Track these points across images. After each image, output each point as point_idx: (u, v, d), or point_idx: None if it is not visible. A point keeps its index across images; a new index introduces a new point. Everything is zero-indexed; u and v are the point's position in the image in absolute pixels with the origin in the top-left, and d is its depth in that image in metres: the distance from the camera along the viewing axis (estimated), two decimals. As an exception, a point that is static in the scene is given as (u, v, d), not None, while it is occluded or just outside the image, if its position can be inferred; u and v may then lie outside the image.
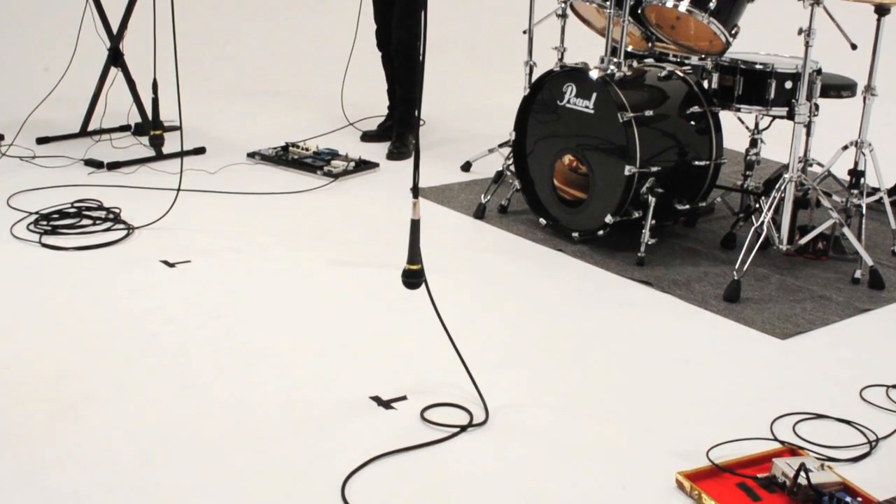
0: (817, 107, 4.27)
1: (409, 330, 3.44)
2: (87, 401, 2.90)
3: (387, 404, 2.96)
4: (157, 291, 3.69)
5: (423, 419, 2.89)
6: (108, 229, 4.25)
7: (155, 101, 5.00)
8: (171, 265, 3.94)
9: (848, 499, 2.47)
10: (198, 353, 3.23)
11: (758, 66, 4.22)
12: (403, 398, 3.00)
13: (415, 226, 2.88)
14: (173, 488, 2.50)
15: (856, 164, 4.38)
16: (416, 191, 2.86)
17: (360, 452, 2.68)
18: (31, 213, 4.34)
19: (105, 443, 2.69)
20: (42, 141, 5.41)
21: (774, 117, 4.35)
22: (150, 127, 4.79)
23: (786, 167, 4.10)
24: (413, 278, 2.91)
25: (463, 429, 2.84)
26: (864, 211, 4.30)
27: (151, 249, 4.07)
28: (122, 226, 4.29)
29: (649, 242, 4.13)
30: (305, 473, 2.60)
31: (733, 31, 4.26)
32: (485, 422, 2.88)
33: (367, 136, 5.85)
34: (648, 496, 2.57)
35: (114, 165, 5.06)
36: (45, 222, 4.27)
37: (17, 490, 2.46)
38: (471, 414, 2.91)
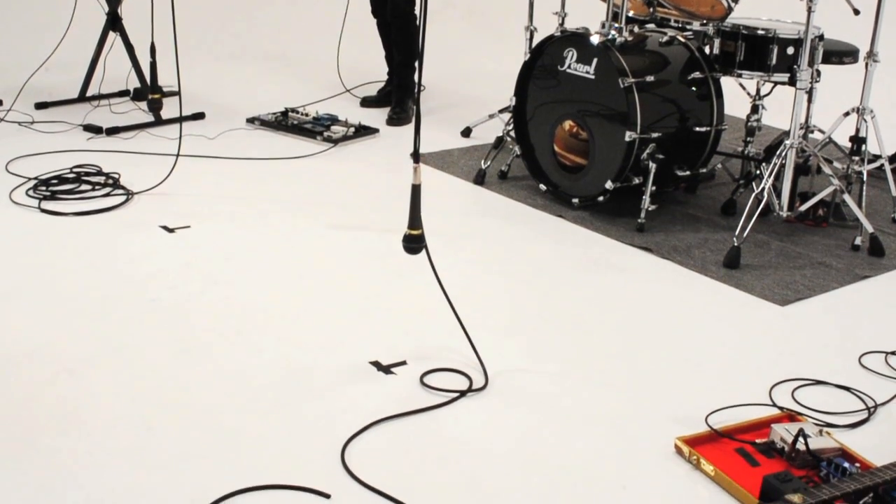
0: (819, 73, 4.25)
1: (408, 295, 3.44)
2: (86, 365, 2.91)
3: (386, 369, 2.96)
4: (156, 256, 3.69)
5: (423, 384, 2.89)
6: (107, 195, 4.24)
7: (153, 66, 4.97)
8: (171, 230, 3.93)
9: (846, 464, 2.48)
10: (197, 318, 3.23)
11: (759, 32, 4.19)
12: (403, 363, 3.00)
13: (415, 191, 2.88)
14: (173, 452, 2.51)
15: (857, 130, 4.36)
16: (416, 156, 2.85)
17: (359, 417, 2.69)
18: (29, 179, 4.33)
19: (105, 407, 2.70)
20: (41, 106, 5.39)
21: (776, 83, 4.32)
22: (149, 91, 4.76)
23: (787, 133, 4.09)
24: (413, 243, 2.90)
25: (462, 394, 2.84)
26: (864, 178, 4.29)
27: (151, 215, 4.07)
28: (121, 191, 4.28)
29: (649, 209, 4.12)
30: (305, 438, 2.60)
31: (735, -3, 4.23)
32: (484, 387, 2.89)
33: (367, 102, 5.83)
34: (647, 461, 2.57)
35: (113, 131, 5.04)
36: (44, 188, 4.26)
37: (17, 453, 2.47)
38: (470, 379, 2.92)
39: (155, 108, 4.96)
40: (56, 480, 2.37)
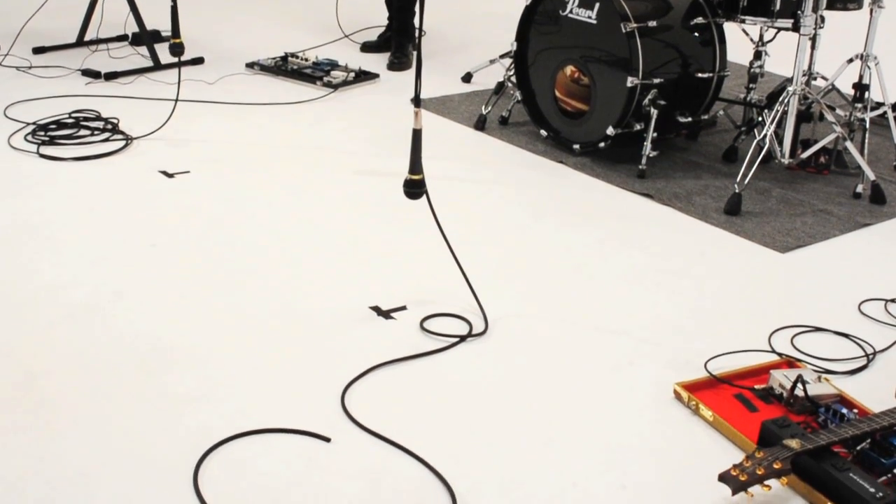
0: (823, 19, 4.20)
1: (409, 240, 3.44)
2: (86, 310, 2.91)
3: (386, 314, 2.97)
4: (155, 202, 3.68)
5: (423, 329, 2.89)
6: (106, 140, 4.23)
7: (174, 9, 4.88)
8: (170, 176, 3.92)
9: (844, 410, 2.49)
10: (197, 264, 3.23)
11: (763, -23, 4.15)
12: (403, 308, 3.00)
13: (416, 135, 2.86)
14: (173, 396, 2.52)
15: (860, 77, 4.33)
16: (417, 100, 2.83)
17: (359, 362, 2.69)
18: (28, 124, 4.31)
19: (105, 351, 2.70)
20: (38, 51, 5.35)
21: (779, 29, 4.28)
22: (171, 36, 4.68)
23: (789, 80, 4.06)
24: (414, 188, 2.89)
25: (462, 339, 2.85)
26: (867, 125, 4.27)
27: (150, 160, 4.05)
28: (120, 136, 4.26)
29: (650, 155, 4.10)
30: (305, 382, 2.61)
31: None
32: (484, 332, 2.89)
33: (367, 47, 5.79)
34: (646, 407, 2.58)
35: (111, 76, 5.01)
36: (42, 133, 4.24)
37: (18, 398, 2.48)
38: (470, 324, 2.92)
39: (177, 52, 4.88)
40: (56, 423, 2.38)
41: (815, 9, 4.05)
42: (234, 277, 3.15)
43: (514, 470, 2.30)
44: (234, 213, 3.62)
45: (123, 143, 4.20)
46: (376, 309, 2.99)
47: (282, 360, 2.71)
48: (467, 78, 5.34)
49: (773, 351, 2.87)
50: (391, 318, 2.95)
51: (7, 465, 2.22)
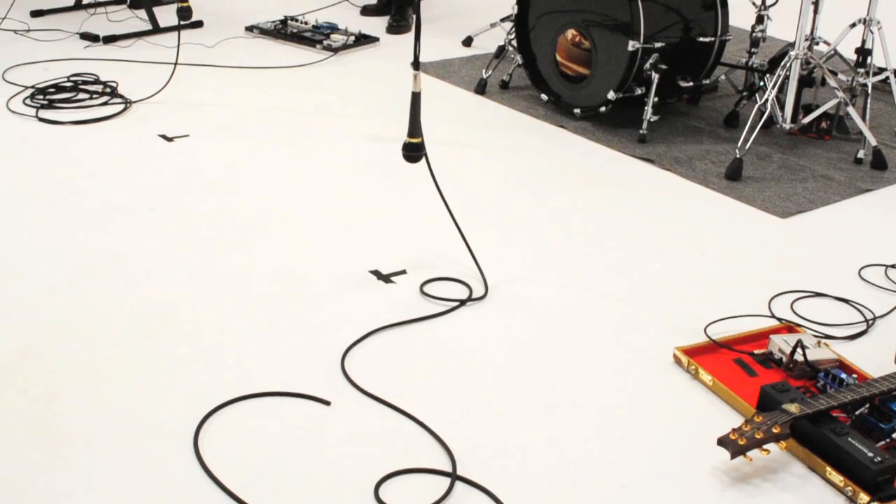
0: (826, -18, 4.18)
1: (408, 204, 3.43)
2: (86, 274, 2.90)
3: (386, 278, 2.96)
4: (155, 166, 3.67)
5: (423, 293, 2.89)
6: (105, 103, 4.21)
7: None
8: (170, 139, 3.90)
9: (843, 375, 2.49)
10: (197, 228, 3.22)
11: (767, -60, 4.12)
12: (403, 272, 3.00)
13: (415, 98, 2.85)
14: (173, 360, 2.52)
15: (863, 42, 4.31)
16: (416, 63, 2.82)
17: (359, 325, 2.69)
18: (27, 88, 4.29)
19: (105, 316, 2.70)
20: (36, 14, 5.31)
21: (782, -7, 4.27)
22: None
23: (792, 45, 4.04)
24: (413, 152, 2.88)
25: (462, 303, 2.85)
26: (869, 90, 4.25)
27: (149, 124, 4.04)
28: (119, 100, 4.24)
29: (651, 119, 4.09)
30: (305, 346, 2.61)
31: None
32: (484, 296, 2.89)
33: (367, 10, 5.76)
34: (646, 371, 2.58)
35: (110, 39, 4.98)
36: (41, 96, 4.22)
37: (18, 363, 2.48)
38: (470, 288, 2.92)
39: (185, 16, 4.85)
40: (56, 388, 2.38)
41: (818, -28, 4.03)
42: (234, 241, 3.15)
43: (513, 433, 2.31)
44: (234, 176, 3.61)
45: (122, 106, 4.18)
46: (376, 273, 2.99)
47: (282, 323, 2.71)
48: (468, 41, 5.31)
49: (773, 316, 2.87)
50: (391, 282, 2.95)
51: (6, 430, 2.22)
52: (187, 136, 3.94)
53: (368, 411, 2.36)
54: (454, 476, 2.14)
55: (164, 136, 3.92)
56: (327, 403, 2.38)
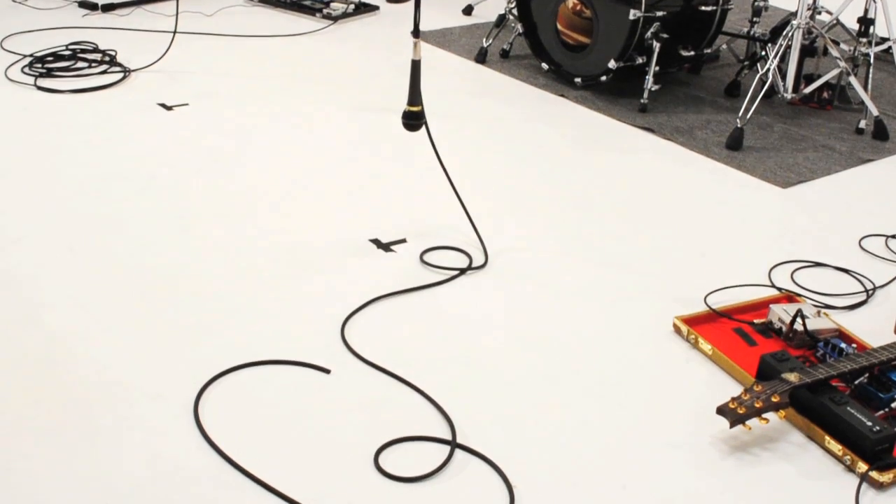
0: (829, -49, 4.16)
1: (408, 173, 3.43)
2: (85, 242, 2.90)
3: (386, 247, 2.96)
4: (154, 135, 3.66)
5: (423, 262, 2.89)
6: (103, 72, 4.19)
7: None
8: (169, 108, 3.89)
9: (843, 345, 2.49)
10: (196, 196, 3.22)
11: None
12: (403, 241, 2.99)
13: (415, 66, 2.83)
14: (173, 328, 2.52)
15: (865, 11, 4.29)
16: (416, 31, 2.80)
17: (359, 294, 2.69)
18: (25, 56, 4.27)
19: (104, 283, 2.70)
20: (34, -19, 5.29)
21: (784, -38, 4.24)
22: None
23: (794, 14, 4.02)
24: (413, 120, 2.86)
25: (462, 272, 2.84)
26: (871, 60, 4.24)
27: (148, 92, 4.02)
28: (118, 68, 4.22)
29: (652, 89, 4.07)
30: (305, 315, 2.61)
31: None
32: (484, 265, 2.89)
33: (367, -21, 5.73)
34: (645, 340, 2.59)
35: (108, 7, 4.96)
36: (40, 65, 4.20)
37: (18, 329, 2.48)
38: (470, 257, 2.92)
39: None
40: (55, 355, 2.38)
41: (821, -59, 4.00)
42: (234, 209, 3.14)
43: (512, 401, 2.31)
44: (233, 145, 3.60)
45: (121, 75, 4.17)
46: (376, 242, 2.99)
47: (281, 292, 2.71)
48: (468, 10, 5.29)
49: (773, 285, 2.87)
50: (391, 250, 2.95)
51: (6, 397, 2.22)
52: (186, 104, 3.93)
53: (368, 380, 2.36)
54: (454, 444, 2.15)
55: (163, 105, 3.91)
56: (327, 372, 2.38)
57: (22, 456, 2.05)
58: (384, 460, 2.09)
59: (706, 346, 2.52)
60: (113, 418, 2.17)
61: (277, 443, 2.13)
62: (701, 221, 3.24)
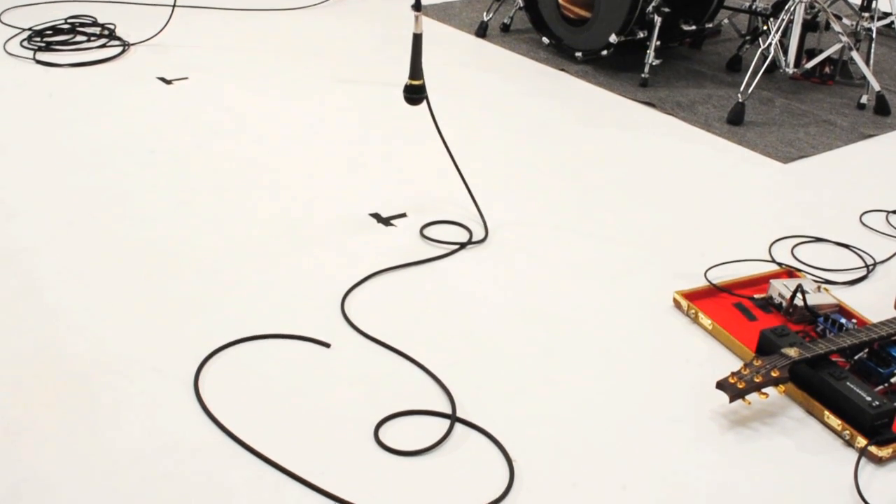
0: (832, -76, 4.14)
1: (409, 147, 3.42)
2: (84, 216, 2.90)
3: (386, 221, 2.96)
4: (153, 108, 3.65)
5: (423, 236, 2.89)
6: (103, 46, 4.18)
7: None
8: (168, 82, 3.88)
9: (843, 320, 2.49)
10: (196, 170, 3.21)
11: None
12: (403, 215, 2.99)
13: (417, 40, 2.82)
14: (174, 301, 2.52)
15: (868, -14, 4.28)
16: (418, 4, 2.79)
17: (359, 268, 2.69)
18: (24, 30, 4.26)
19: (104, 258, 2.70)
20: (33, -47, 5.26)
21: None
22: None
23: (796, -12, 4.00)
24: (414, 94, 2.86)
25: (462, 246, 2.84)
26: (873, 35, 4.22)
27: (148, 66, 4.01)
28: (117, 42, 4.21)
29: (653, 63, 4.06)
30: (305, 289, 2.61)
31: None
32: (484, 239, 2.89)
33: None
34: (645, 315, 2.59)
35: (107, -21, 4.94)
36: (38, 39, 4.19)
37: (18, 305, 2.48)
38: (470, 231, 2.91)
39: None
40: (56, 329, 2.38)
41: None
42: (234, 183, 3.14)
43: (512, 376, 2.31)
44: (233, 119, 3.60)
45: (120, 49, 4.15)
46: (376, 216, 2.98)
47: (281, 266, 2.71)
48: (469, -16, 5.27)
49: (774, 261, 2.87)
50: (391, 224, 2.95)
51: (7, 370, 2.23)
52: (186, 78, 3.91)
53: (368, 354, 2.37)
54: (454, 418, 2.15)
55: (162, 79, 3.90)
56: (327, 346, 2.38)
57: (22, 429, 2.05)
58: (384, 434, 2.10)
59: (706, 321, 2.52)
60: (113, 392, 2.17)
61: (277, 416, 2.13)
62: (701, 196, 3.24)
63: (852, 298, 2.67)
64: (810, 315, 2.54)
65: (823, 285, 2.68)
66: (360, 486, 1.95)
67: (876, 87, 3.96)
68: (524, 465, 2.03)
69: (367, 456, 2.04)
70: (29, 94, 3.71)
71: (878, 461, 2.09)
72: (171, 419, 2.11)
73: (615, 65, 4.21)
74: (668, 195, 3.23)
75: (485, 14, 4.61)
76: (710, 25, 4.35)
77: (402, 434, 2.10)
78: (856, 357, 2.34)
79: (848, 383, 2.20)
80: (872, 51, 4.19)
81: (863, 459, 2.10)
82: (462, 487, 1.96)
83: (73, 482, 1.91)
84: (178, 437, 2.06)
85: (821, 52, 4.08)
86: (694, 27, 4.22)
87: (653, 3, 4.03)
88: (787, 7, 3.96)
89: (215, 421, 2.10)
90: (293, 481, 1.95)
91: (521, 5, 4.44)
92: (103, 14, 4.46)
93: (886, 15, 4.38)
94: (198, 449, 2.03)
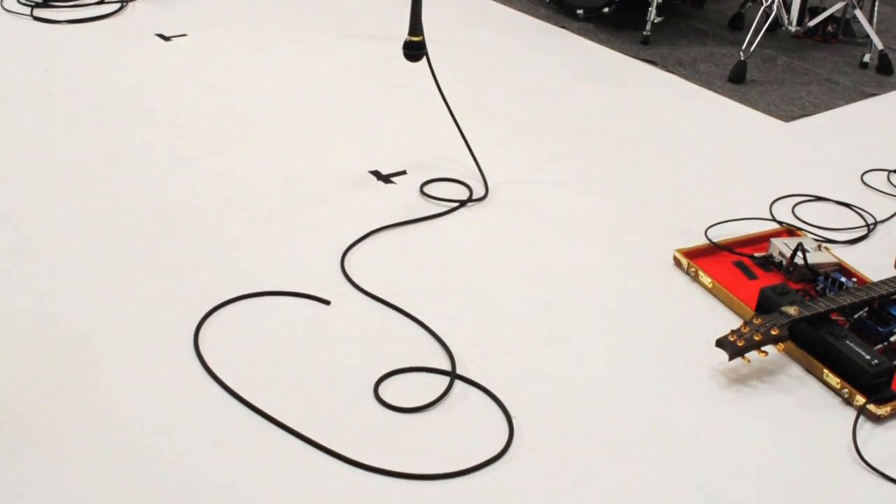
0: None
1: (409, 104, 3.40)
2: (84, 172, 2.89)
3: (386, 179, 2.95)
4: (152, 65, 3.63)
5: (423, 194, 2.88)
6: (100, 2, 4.15)
7: None
8: (167, 39, 3.86)
9: (843, 279, 2.49)
10: (195, 127, 3.20)
11: None
12: (403, 173, 2.98)
13: (416, -5, 2.80)
14: (173, 259, 2.52)
15: (872, -58, 4.24)
16: (417, -40, 2.77)
17: (359, 226, 2.69)
18: (21, -16, 4.23)
19: (103, 214, 2.69)
20: None
21: None
22: None
23: (800, -55, 3.97)
24: (414, 50, 2.83)
25: (462, 203, 2.83)
26: (877, -7, 4.20)
27: (146, 23, 3.98)
28: (115, -2, 4.19)
29: (655, 21, 4.03)
30: (305, 246, 2.60)
31: None
32: (484, 197, 2.88)
33: None
34: (645, 273, 2.58)
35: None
36: (36, -6, 4.17)
37: (19, 259, 2.47)
38: (470, 189, 2.90)
39: None
40: (56, 286, 2.38)
41: None
42: (233, 141, 3.12)
43: (512, 333, 2.31)
44: (232, 75, 3.58)
45: (119, 5, 4.12)
46: (376, 173, 2.97)
47: (281, 223, 2.70)
48: (469, -59, 5.22)
49: (774, 219, 2.86)
50: (391, 182, 2.94)
51: (6, 328, 2.23)
52: (185, 35, 3.89)
53: (368, 311, 2.36)
54: (453, 375, 2.15)
55: (161, 36, 3.87)
56: (327, 303, 2.38)
57: (22, 388, 2.05)
58: (384, 391, 2.10)
59: (706, 279, 2.51)
60: (113, 349, 2.17)
61: (277, 373, 2.14)
62: (702, 155, 3.23)
63: (853, 257, 2.67)
64: (810, 274, 2.54)
65: (824, 244, 2.68)
66: (359, 442, 1.95)
67: (879, 45, 3.94)
68: (523, 422, 2.04)
69: (366, 412, 2.04)
70: (27, 51, 3.69)
71: (877, 419, 2.10)
72: (171, 376, 2.11)
73: (616, 22, 4.19)
74: (669, 153, 3.22)
75: (486, -29, 4.58)
76: (713, -17, 4.33)
77: (401, 391, 2.10)
78: (855, 316, 2.34)
79: (847, 342, 2.20)
80: (876, 9, 4.16)
81: (861, 417, 2.10)
82: (462, 444, 1.97)
83: (73, 439, 1.92)
84: (179, 394, 2.06)
85: (824, 10, 4.06)
86: (696, -16, 4.20)
87: (655, -40, 4.00)
88: (790, -36, 3.94)
89: (215, 378, 2.10)
90: (293, 437, 1.95)
91: (523, -38, 4.41)
92: (101, -30, 4.43)
93: (890, -27, 4.36)
94: (198, 405, 2.03)
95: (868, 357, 2.15)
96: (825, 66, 3.96)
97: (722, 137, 3.36)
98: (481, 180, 2.94)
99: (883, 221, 2.90)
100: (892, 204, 3.00)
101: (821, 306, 2.28)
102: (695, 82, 3.74)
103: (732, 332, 2.18)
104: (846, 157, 3.27)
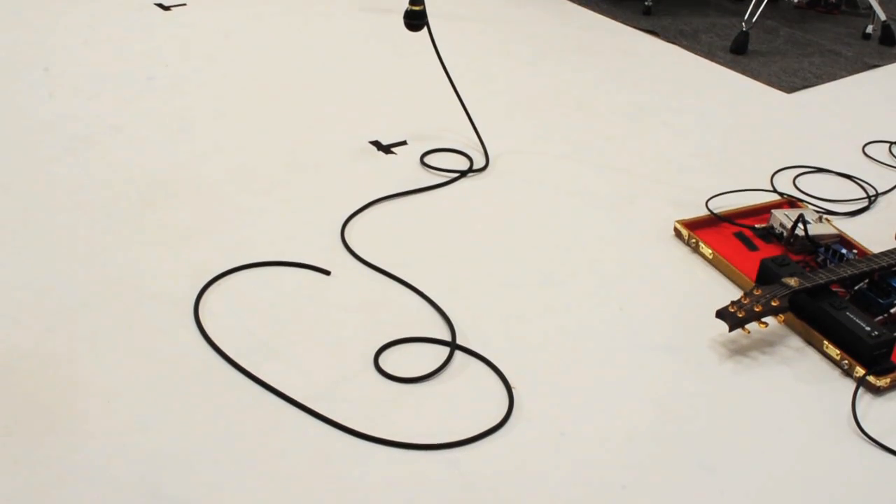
0: None
1: (409, 74, 3.39)
2: (84, 144, 2.88)
3: (387, 149, 2.94)
4: (151, 35, 3.62)
5: (423, 164, 2.87)
6: (99, -30, 4.13)
7: None
8: (166, 8, 3.84)
9: (843, 251, 2.49)
10: (195, 97, 3.19)
11: None
12: (403, 143, 2.98)
13: (417, -35, 2.79)
14: (173, 229, 2.51)
15: (876, -88, 4.21)
16: (418, -72, 2.75)
17: (359, 196, 2.68)
18: (19, -48, 4.21)
19: (104, 185, 2.69)
20: None
21: None
22: None
23: (803, -86, 3.95)
24: (415, 20, 2.82)
25: (463, 174, 2.83)
26: (880, -37, 4.18)
27: (145, -9, 3.97)
28: (114, -34, 4.16)
29: (657, -9, 4.02)
30: (305, 217, 2.60)
31: None
32: (485, 168, 2.87)
33: None
34: (646, 244, 2.58)
35: None
36: (34, -39, 4.14)
37: (20, 231, 2.47)
38: (471, 160, 2.90)
39: None
40: (55, 257, 2.38)
41: None
42: (232, 111, 3.11)
43: (512, 303, 2.32)
44: (232, 46, 3.56)
45: (118, -27, 4.10)
46: (376, 144, 2.97)
47: (281, 193, 2.70)
48: None
49: (775, 191, 2.86)
50: (391, 152, 2.93)
51: (5, 297, 2.23)
52: (184, 4, 3.87)
53: (368, 281, 2.36)
54: (453, 345, 2.15)
55: (160, 5, 3.86)
56: (327, 273, 2.38)
57: (21, 355, 2.05)
58: (384, 361, 2.10)
59: (707, 251, 2.51)
60: (112, 317, 2.17)
61: (277, 343, 2.14)
62: (703, 125, 3.22)
63: (854, 229, 2.67)
64: (811, 245, 2.53)
65: (825, 215, 2.68)
66: (359, 412, 1.96)
67: (882, 16, 3.92)
68: (524, 393, 2.04)
69: (366, 383, 2.04)
70: (25, 21, 3.67)
71: (877, 391, 2.10)
72: (171, 345, 2.11)
73: (618, -8, 4.18)
74: (670, 124, 3.21)
75: (487, -60, 4.55)
76: (715, -47, 4.30)
77: (401, 361, 2.11)
78: (856, 287, 2.34)
79: (847, 313, 2.20)
80: (879, -21, 4.15)
81: (861, 389, 2.11)
82: (461, 415, 1.97)
83: (72, 410, 1.92)
84: (179, 363, 2.06)
85: (827, -20, 4.05)
86: (699, -46, 4.18)
87: (657, -70, 3.98)
88: (793, -66, 3.92)
89: (215, 347, 2.10)
90: (293, 407, 1.96)
91: (524, -69, 4.38)
92: (100, -62, 4.40)
93: (894, -57, 4.34)
94: (198, 374, 2.03)
95: (868, 328, 2.15)
96: (827, 37, 3.95)
97: (723, 108, 3.35)
98: (482, 151, 2.93)
99: (884, 193, 2.90)
100: (894, 176, 2.99)
101: (821, 278, 2.28)
102: (696, 53, 3.73)
103: (733, 303, 2.18)
104: (848, 129, 3.26)
